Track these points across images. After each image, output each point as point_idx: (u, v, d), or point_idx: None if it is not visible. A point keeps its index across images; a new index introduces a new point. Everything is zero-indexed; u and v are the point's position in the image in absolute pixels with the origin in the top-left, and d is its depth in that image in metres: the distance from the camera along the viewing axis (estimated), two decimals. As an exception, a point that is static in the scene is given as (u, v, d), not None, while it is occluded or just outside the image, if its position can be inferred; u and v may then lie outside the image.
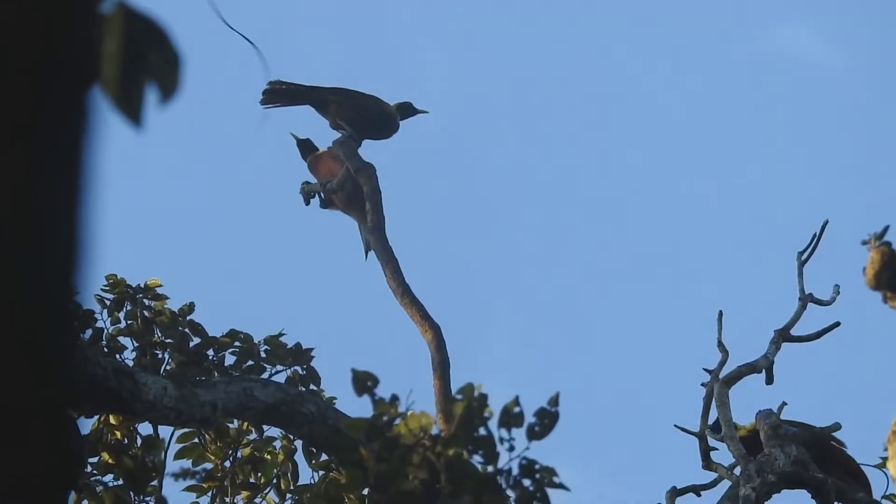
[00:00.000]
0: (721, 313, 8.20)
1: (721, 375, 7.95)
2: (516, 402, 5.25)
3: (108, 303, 7.73)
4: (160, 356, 7.66)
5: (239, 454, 7.75)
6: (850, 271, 8.47)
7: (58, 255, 1.24)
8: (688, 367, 8.36)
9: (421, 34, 15.84)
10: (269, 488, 7.79)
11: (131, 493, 7.28)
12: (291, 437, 7.52)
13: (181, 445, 7.60)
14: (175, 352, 7.65)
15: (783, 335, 8.15)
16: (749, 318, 9.00)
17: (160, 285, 7.79)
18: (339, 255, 11.00)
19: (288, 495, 7.72)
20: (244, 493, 7.79)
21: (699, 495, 7.76)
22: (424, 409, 5.24)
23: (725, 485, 7.65)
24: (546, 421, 5.27)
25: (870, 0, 15.01)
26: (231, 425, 7.56)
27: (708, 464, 7.82)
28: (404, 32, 15.90)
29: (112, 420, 7.30)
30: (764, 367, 8.03)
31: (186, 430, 7.47)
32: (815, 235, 8.24)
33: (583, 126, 15.86)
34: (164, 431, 7.47)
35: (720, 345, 8.10)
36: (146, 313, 7.74)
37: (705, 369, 8.03)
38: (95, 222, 1.29)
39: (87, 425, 7.25)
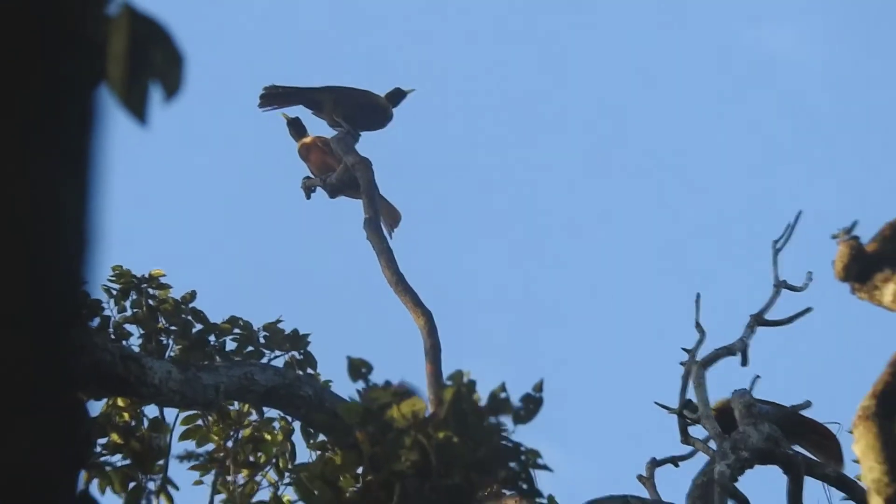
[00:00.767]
0: (699, 295, 8.25)
1: (699, 357, 7.99)
2: (503, 387, 5.26)
3: (114, 292, 7.75)
4: (164, 342, 7.68)
5: (240, 435, 7.77)
6: (822, 259, 8.47)
7: (66, 246, 1.25)
8: (669, 347, 8.39)
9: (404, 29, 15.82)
10: (268, 467, 7.80)
11: (139, 472, 7.28)
12: (289, 418, 7.54)
13: (186, 427, 7.62)
14: (179, 338, 7.67)
15: (758, 319, 8.20)
16: (726, 304, 9.01)
17: (163, 275, 7.82)
18: (335, 245, 11.02)
19: (286, 474, 7.73)
20: (245, 472, 7.80)
21: (677, 465, 7.79)
22: (416, 393, 5.24)
23: (702, 456, 7.67)
24: (531, 406, 5.28)
25: (843, 4, 14.99)
26: (232, 407, 7.57)
27: (686, 438, 7.87)
28: (390, 29, 15.89)
29: (120, 402, 7.32)
30: (739, 349, 8.09)
31: (191, 412, 7.50)
32: (789, 226, 8.26)
33: (568, 122, 15.85)
34: (170, 414, 7.49)
35: (698, 325, 8.16)
36: (151, 302, 7.75)
37: (684, 348, 8.08)
38: (102, 215, 1.29)
39: (96, 408, 7.27)
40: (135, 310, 7.74)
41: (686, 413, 7.86)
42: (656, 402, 8.02)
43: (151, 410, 7.46)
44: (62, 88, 1.28)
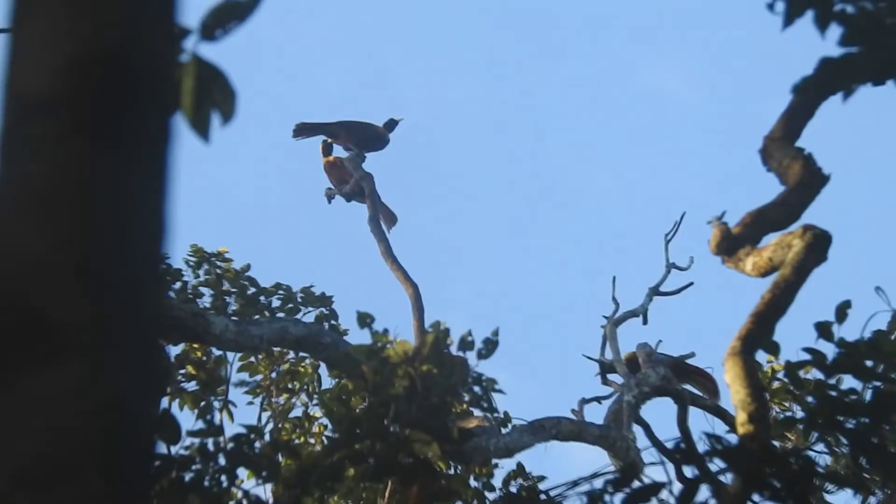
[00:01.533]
0: (614, 278, 8.32)
1: (613, 320, 8.08)
2: (469, 333, 5.25)
3: (191, 264, 7.81)
4: (227, 301, 7.72)
5: (280, 369, 7.78)
6: (700, 247, 8.51)
7: (152, 231, 1.23)
8: (594, 316, 8.46)
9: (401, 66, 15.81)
10: (301, 392, 7.83)
11: (207, 395, 7.28)
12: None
13: (241, 363, 7.64)
14: (238, 298, 7.73)
15: (654, 291, 8.28)
16: (633, 280, 9.07)
17: (227, 251, 7.89)
18: (349, 235, 11.04)
19: (314, 397, 7.76)
20: (284, 395, 7.81)
21: (600, 402, 7.84)
22: (406, 339, 5.24)
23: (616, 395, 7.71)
24: (490, 346, 5.28)
25: (716, 46, 15.02)
26: (275, 349, 7.59)
27: (605, 381, 7.93)
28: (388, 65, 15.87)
29: (195, 344, 7.33)
30: (640, 312, 8.18)
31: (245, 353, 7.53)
32: (676, 222, 8.36)
33: (516, 142, 15.89)
34: (230, 354, 7.52)
35: (614, 299, 8.24)
36: (218, 271, 7.78)
37: (604, 316, 8.17)
38: (177, 207, 1.27)
39: (175, 350, 7.28)
40: (206, 277, 7.78)
41: (605, 360, 7.95)
42: (584, 355, 8.11)
43: (216, 351, 7.48)
44: (150, 114, 1.25)
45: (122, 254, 1.18)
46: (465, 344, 5.20)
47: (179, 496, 4.21)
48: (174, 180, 1.25)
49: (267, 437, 6.27)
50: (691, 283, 8.28)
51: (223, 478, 4.31)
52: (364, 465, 4.35)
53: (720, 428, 7.60)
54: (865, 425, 3.83)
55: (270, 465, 4.53)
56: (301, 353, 7.58)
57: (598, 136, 16.28)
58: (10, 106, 1.22)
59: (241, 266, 7.83)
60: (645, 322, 8.21)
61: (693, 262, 8.31)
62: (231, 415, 7.32)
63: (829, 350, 4.13)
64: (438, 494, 4.48)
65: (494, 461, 6.55)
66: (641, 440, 7.26)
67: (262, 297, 7.76)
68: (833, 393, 3.96)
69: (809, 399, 4.13)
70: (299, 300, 7.74)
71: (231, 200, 14.68)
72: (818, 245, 4.86)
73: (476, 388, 5.34)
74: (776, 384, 7.38)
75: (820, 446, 6.02)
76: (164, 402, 6.77)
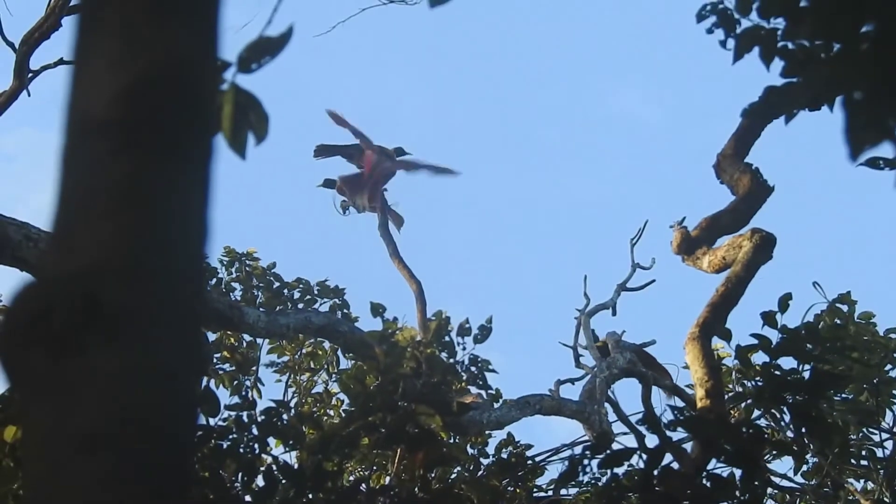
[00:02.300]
0: (586, 277, 8.33)
1: (585, 312, 8.07)
2: (467, 321, 5.25)
3: (224, 262, 7.78)
4: (256, 294, 7.70)
5: (303, 351, 7.77)
6: (662, 248, 8.49)
7: (195, 233, 1.23)
8: (568, 308, 8.46)
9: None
10: (321, 371, 7.81)
11: (240, 374, 7.28)
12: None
13: (270, 346, 7.63)
14: (265, 291, 7.70)
15: (621, 287, 8.27)
16: (603, 278, 9.07)
17: (255, 251, 7.86)
18: (362, 238, 11.04)
19: (333, 375, 7.75)
20: (307, 374, 7.80)
21: (573, 384, 7.83)
22: (413, 326, 5.23)
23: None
24: (484, 332, 5.27)
25: (676, 68, 15.02)
26: (300, 336, 7.58)
27: (578, 364, 7.91)
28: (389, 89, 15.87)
29: (229, 332, 7.32)
30: (610, 305, 8.18)
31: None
32: (640, 229, 8.37)
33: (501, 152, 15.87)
34: (260, 340, 7.51)
35: (585, 295, 8.24)
36: (247, 269, 7.76)
37: (577, 309, 8.16)
38: (215, 214, 1.28)
39: (212, 337, 7.27)
40: (237, 274, 7.77)
41: (577, 346, 7.94)
42: (559, 342, 8.10)
43: (247, 337, 7.48)
44: (196, 134, 1.26)
45: (169, 252, 1.19)
46: (463, 330, 5.21)
47: (218, 461, 4.21)
48: (214, 191, 1.25)
49: (293, 411, 6.27)
50: (653, 281, 8.29)
51: (256, 446, 4.31)
52: (377, 435, 4.34)
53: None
54: (805, 401, 3.83)
55: (296, 435, 4.53)
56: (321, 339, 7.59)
57: (573, 151, 16.30)
58: (72, 125, 1.23)
59: (268, 264, 7.82)
60: (614, 314, 8.24)
61: (655, 263, 8.33)
62: (260, 392, 7.32)
63: (774, 336, 4.13)
64: (441, 460, 4.48)
65: (487, 432, 6.55)
66: (611, 415, 7.27)
67: (284, 291, 7.75)
68: (777, 373, 3.96)
69: (757, 379, 4.12)
70: (316, 292, 7.73)
71: (261, 208, 14.68)
72: (765, 246, 4.87)
73: (472, 368, 5.34)
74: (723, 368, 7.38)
75: (762, 420, 6.02)
76: (204, 381, 6.76)
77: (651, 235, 8.37)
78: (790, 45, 2.50)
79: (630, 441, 7.35)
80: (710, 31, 2.87)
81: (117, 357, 1.05)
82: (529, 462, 6.34)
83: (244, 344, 7.44)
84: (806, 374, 3.92)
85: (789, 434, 5.74)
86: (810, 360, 3.94)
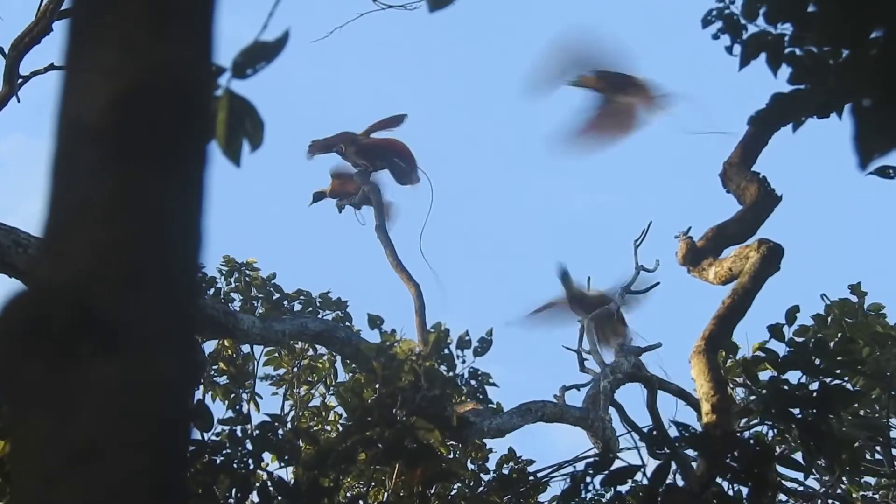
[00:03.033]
0: (589, 278, 8.29)
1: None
2: (466, 333, 5.25)
3: (223, 272, 7.78)
4: (255, 305, 7.71)
5: (301, 364, 7.77)
6: (666, 252, 8.50)
7: (190, 243, 1.23)
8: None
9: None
10: (319, 384, 7.81)
11: (236, 387, 7.28)
12: (333, 354, 7.55)
13: (267, 358, 7.63)
14: (264, 302, 7.70)
15: (626, 290, 8.23)
16: (607, 280, 9.07)
17: (255, 261, 7.86)
18: (359, 242, 11.03)
19: (331, 388, 7.74)
20: (304, 387, 7.79)
21: (579, 389, 7.79)
22: (411, 339, 5.23)
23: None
24: (485, 345, 5.27)
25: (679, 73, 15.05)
26: (298, 346, 7.57)
27: (583, 369, 7.86)
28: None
29: (226, 343, 7.32)
30: (614, 310, 8.12)
31: (271, 348, 7.50)
32: (644, 230, 8.33)
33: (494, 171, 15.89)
34: (257, 350, 7.51)
35: (587, 296, 8.23)
36: (247, 279, 7.77)
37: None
38: (211, 222, 1.28)
39: (209, 347, 7.27)
40: (237, 283, 7.77)
41: (582, 351, 7.88)
42: (563, 346, 8.05)
43: (244, 349, 7.47)
44: (190, 141, 1.27)
45: (163, 260, 1.19)
46: (463, 342, 5.20)
47: (211, 476, 4.21)
48: (209, 199, 1.26)
49: (289, 425, 6.27)
50: (658, 283, 8.25)
51: (250, 461, 4.31)
52: (374, 450, 4.34)
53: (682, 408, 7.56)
54: (814, 416, 3.83)
55: (292, 450, 4.52)
56: (321, 350, 7.59)
57: (582, 161, 16.30)
58: (64, 132, 1.23)
59: (268, 275, 7.82)
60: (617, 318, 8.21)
61: (659, 265, 8.29)
62: (257, 405, 7.31)
63: (781, 349, 4.13)
64: (440, 476, 4.47)
65: (489, 446, 6.55)
66: (616, 422, 7.26)
67: (285, 302, 7.75)
68: (785, 387, 3.97)
69: (763, 392, 4.12)
70: (318, 304, 7.73)
71: (258, 215, 14.68)
72: (772, 257, 4.87)
73: (472, 382, 5.35)
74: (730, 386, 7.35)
75: (769, 433, 6.02)
76: (198, 393, 6.76)
77: (655, 239, 8.36)
78: (798, 52, 2.51)
79: (633, 455, 7.34)
80: (715, 37, 2.88)
81: (113, 367, 1.05)
82: (531, 478, 6.34)
83: (241, 356, 7.44)
84: (814, 388, 3.92)
85: (797, 451, 5.73)
86: (818, 375, 3.94)
